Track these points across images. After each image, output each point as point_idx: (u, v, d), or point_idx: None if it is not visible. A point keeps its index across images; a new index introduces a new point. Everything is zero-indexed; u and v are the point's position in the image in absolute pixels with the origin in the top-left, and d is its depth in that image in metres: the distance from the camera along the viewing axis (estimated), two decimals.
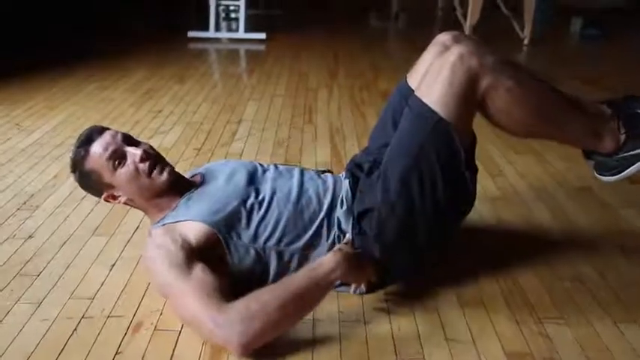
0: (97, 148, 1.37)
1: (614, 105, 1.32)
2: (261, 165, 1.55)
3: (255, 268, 1.37)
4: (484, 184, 2.03)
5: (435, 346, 1.25)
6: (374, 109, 2.95)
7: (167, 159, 1.47)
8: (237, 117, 2.81)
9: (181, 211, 1.37)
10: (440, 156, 1.25)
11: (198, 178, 1.49)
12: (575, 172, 2.16)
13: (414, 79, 1.46)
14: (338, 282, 1.30)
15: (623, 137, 1.28)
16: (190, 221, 1.33)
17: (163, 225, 1.36)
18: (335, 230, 1.37)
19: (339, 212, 1.38)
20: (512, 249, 1.65)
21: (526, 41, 4.81)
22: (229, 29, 5.16)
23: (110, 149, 1.36)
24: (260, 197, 1.39)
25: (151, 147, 1.44)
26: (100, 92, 3.22)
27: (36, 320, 1.32)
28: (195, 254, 1.28)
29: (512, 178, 2.10)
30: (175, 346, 1.24)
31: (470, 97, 1.23)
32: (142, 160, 1.37)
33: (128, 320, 1.32)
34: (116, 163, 1.37)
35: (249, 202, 1.38)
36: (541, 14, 4.87)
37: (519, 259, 1.59)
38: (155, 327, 1.30)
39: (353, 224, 1.35)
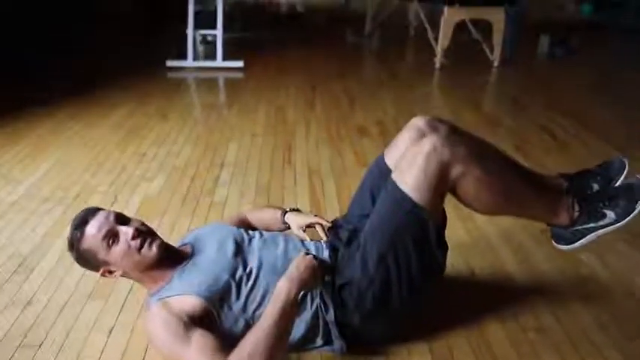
0: (91, 229, 1.48)
1: (570, 180, 1.52)
2: (247, 232, 1.66)
3: (244, 334, 1.48)
4: (455, 228, 2.17)
5: None
6: (350, 147, 3.08)
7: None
8: (219, 159, 2.91)
9: (175, 284, 1.48)
10: (414, 238, 1.40)
11: (188, 249, 1.60)
12: None
13: (391, 155, 1.61)
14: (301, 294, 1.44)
15: (576, 214, 1.44)
16: (185, 295, 1.44)
17: (160, 299, 1.46)
18: (317, 301, 1.49)
19: (321, 285, 1.50)
20: (481, 299, 1.80)
21: (495, 63, 5.00)
22: (207, 55, 5.23)
23: (104, 229, 1.47)
24: (248, 269, 1.51)
25: (142, 223, 1.54)
26: (84, 133, 3.29)
27: None
28: (193, 323, 1.40)
29: (481, 222, 2.25)
30: None
31: (442, 185, 1.37)
32: (134, 237, 1.48)
33: None
34: (110, 241, 1.47)
35: (238, 274, 1.49)
36: (510, 35, 5.06)
37: (488, 310, 1.74)
38: None
39: (334, 295, 1.48)
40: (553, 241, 1.54)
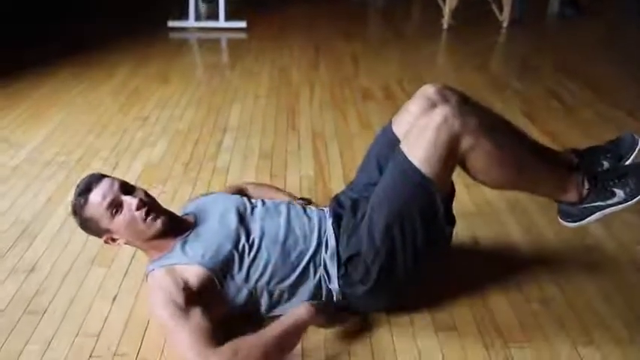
0: (95, 196, 1.46)
1: (580, 156, 1.50)
2: (249, 201, 1.65)
3: (247, 304, 1.49)
4: (460, 197, 2.13)
5: None
6: (354, 110, 3.04)
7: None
8: (222, 122, 2.88)
9: (178, 253, 1.48)
10: (421, 210, 1.38)
11: (191, 219, 1.59)
12: None
13: (399, 124, 1.57)
14: None
15: (585, 192, 1.42)
16: (189, 265, 1.44)
17: (162, 266, 1.46)
18: (321, 270, 1.49)
19: (325, 254, 1.50)
20: (486, 269, 1.79)
21: (505, 24, 4.88)
22: (209, 15, 5.10)
23: (108, 198, 1.45)
24: (250, 239, 1.50)
25: (146, 194, 1.53)
26: (86, 94, 3.26)
27: None
28: (194, 296, 1.40)
29: (487, 190, 2.22)
30: None
31: (451, 157, 1.34)
32: (138, 208, 1.47)
33: (132, 359, 1.44)
34: (114, 211, 1.46)
35: (241, 244, 1.48)
36: None
37: (492, 280, 1.73)
38: None
39: (339, 266, 1.48)
40: (559, 218, 1.52)
